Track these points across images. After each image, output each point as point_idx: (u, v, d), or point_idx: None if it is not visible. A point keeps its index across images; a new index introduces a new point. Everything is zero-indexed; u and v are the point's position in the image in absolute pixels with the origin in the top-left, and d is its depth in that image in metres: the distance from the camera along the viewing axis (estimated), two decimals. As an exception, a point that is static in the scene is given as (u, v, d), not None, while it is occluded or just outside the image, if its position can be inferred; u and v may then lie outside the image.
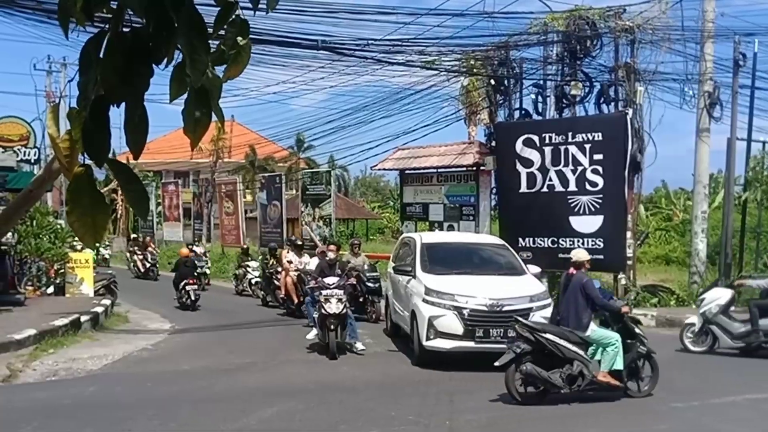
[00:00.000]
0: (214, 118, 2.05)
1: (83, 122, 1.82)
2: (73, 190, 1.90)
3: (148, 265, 23.46)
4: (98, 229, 1.93)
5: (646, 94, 14.54)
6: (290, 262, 13.97)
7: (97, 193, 1.92)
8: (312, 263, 12.44)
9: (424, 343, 8.76)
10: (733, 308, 10.13)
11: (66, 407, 6.75)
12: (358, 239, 16.61)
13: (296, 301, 13.62)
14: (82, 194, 1.90)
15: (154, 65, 1.91)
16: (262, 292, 16.41)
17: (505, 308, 8.61)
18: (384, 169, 19.59)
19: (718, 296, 10.03)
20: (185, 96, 1.92)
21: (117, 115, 1.91)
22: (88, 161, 1.94)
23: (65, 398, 7.20)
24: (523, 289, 9.30)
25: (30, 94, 44.17)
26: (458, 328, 8.64)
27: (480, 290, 8.92)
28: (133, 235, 29.33)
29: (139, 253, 24.25)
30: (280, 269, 14.72)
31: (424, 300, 9.01)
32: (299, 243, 15.23)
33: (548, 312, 8.65)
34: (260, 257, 18.83)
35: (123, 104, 1.85)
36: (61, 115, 2.15)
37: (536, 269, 10.72)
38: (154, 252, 24.80)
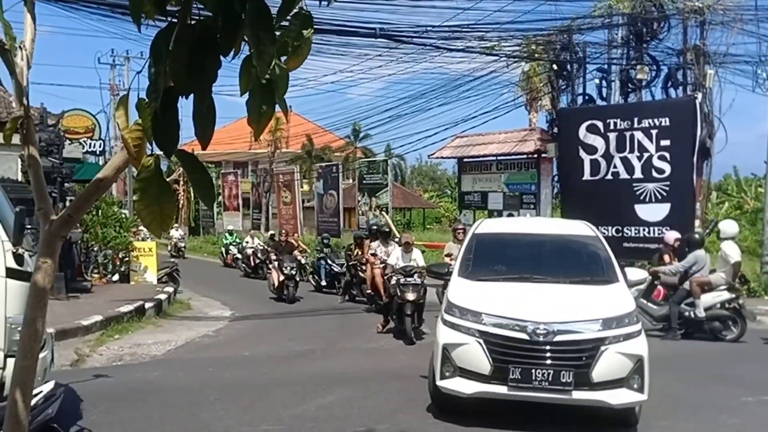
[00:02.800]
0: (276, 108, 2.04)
1: (153, 113, 1.82)
2: (141, 179, 1.92)
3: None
4: (165, 218, 1.96)
5: (716, 78, 13.98)
6: (374, 254, 12.39)
7: (164, 182, 1.93)
8: (394, 254, 10.89)
9: (438, 382, 5.99)
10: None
11: (132, 391, 6.96)
12: (462, 226, 12.86)
13: (384, 297, 11.43)
14: (150, 184, 1.92)
15: (221, 57, 1.90)
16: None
17: (558, 338, 5.66)
18: (442, 158, 19.48)
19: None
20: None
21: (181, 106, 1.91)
22: (156, 151, 1.95)
23: (131, 383, 7.42)
24: (599, 307, 6.08)
25: (95, 87, 45.99)
26: (483, 365, 5.74)
27: (527, 307, 5.93)
28: (270, 232, 21.93)
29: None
30: (365, 261, 13.24)
31: (442, 319, 6.26)
32: (386, 230, 12.99)
33: (636, 345, 5.74)
34: (343, 248, 17.01)
35: (191, 95, 1.85)
36: (130, 106, 2.16)
37: (639, 273, 8.05)
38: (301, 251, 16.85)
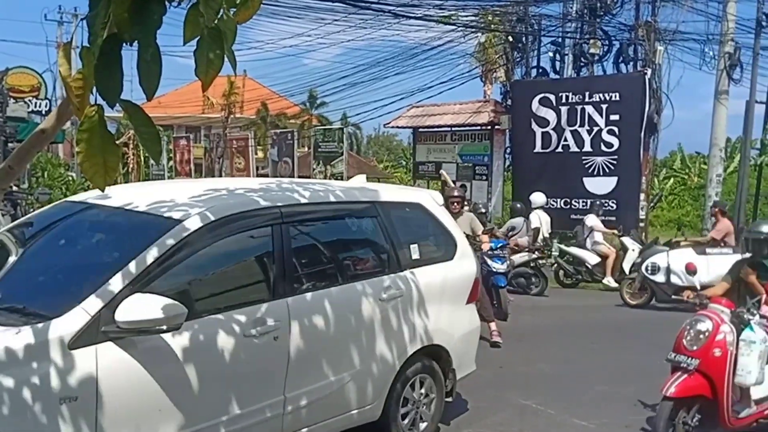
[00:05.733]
0: (226, 70, 2.02)
1: (95, 61, 1.79)
2: (84, 130, 1.88)
3: None
4: (109, 170, 1.93)
5: (665, 55, 14.26)
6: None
7: (107, 133, 1.90)
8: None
9: None
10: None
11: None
12: (458, 193, 8.91)
13: None
14: (94, 134, 1.89)
15: (167, 4, 1.87)
16: None
17: None
18: (397, 127, 19.45)
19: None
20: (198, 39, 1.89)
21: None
22: (99, 102, 1.92)
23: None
24: None
25: (41, 44, 44.01)
26: None
27: None
28: None
29: None
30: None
31: None
32: (482, 211, 10.84)
33: None
34: None
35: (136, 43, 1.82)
36: (74, 55, 2.12)
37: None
38: None
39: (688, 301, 5.29)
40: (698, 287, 9.08)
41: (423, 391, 4.87)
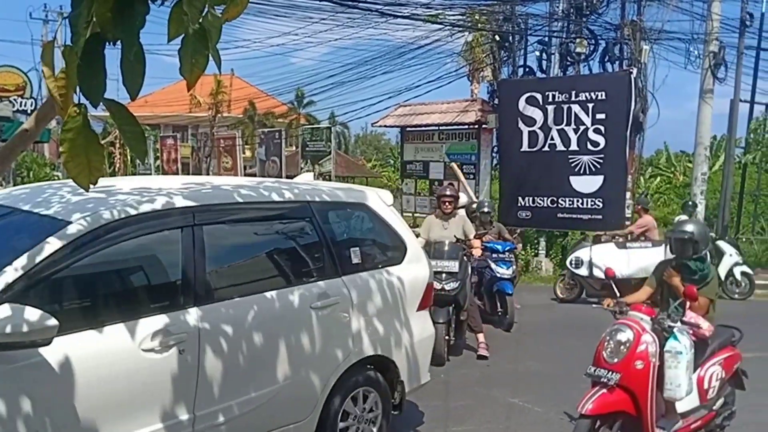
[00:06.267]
0: (212, 68, 2.01)
1: (78, 60, 1.78)
2: (67, 129, 1.88)
3: None
4: (93, 169, 1.92)
5: (651, 54, 14.35)
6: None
7: (91, 133, 1.89)
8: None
9: None
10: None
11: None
12: (450, 192, 8.16)
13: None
14: (78, 134, 1.88)
15: (150, 2, 1.86)
16: None
17: None
18: (385, 126, 19.43)
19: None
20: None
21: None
22: (83, 101, 1.91)
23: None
24: None
25: (26, 43, 43.62)
26: None
27: None
28: None
29: None
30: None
31: None
32: (487, 210, 10.04)
33: None
34: None
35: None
36: (57, 54, 2.11)
37: None
38: None
39: (607, 309, 4.87)
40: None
41: (366, 405, 4.52)
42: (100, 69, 1.80)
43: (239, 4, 2.07)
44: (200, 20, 1.84)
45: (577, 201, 13.31)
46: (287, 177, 22.93)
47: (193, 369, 3.53)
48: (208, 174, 29.92)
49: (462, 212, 8.35)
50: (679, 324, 4.45)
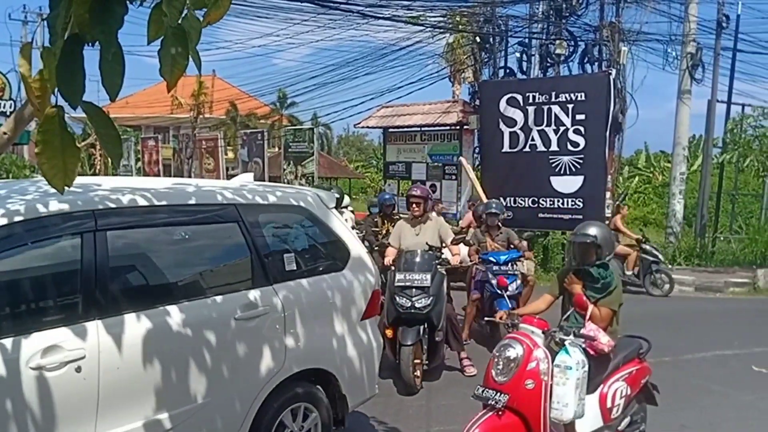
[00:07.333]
0: (192, 69, 2.02)
1: (56, 61, 1.79)
2: (44, 131, 1.87)
3: None
4: (68, 171, 1.91)
5: (629, 55, 14.52)
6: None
7: (68, 134, 1.89)
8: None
9: None
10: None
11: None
12: (419, 192, 7.25)
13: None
14: (54, 136, 1.88)
15: (128, 3, 1.87)
16: None
17: None
18: (367, 127, 19.46)
19: None
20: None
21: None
22: (60, 102, 1.92)
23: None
24: None
25: (5, 44, 43.04)
26: None
27: None
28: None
29: None
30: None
31: None
32: (495, 211, 8.33)
33: None
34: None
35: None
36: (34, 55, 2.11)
37: None
38: None
39: (499, 322, 4.44)
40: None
41: (304, 423, 4.19)
42: (79, 70, 1.80)
43: (221, 6, 2.08)
44: (180, 21, 1.85)
45: (558, 201, 13.41)
46: (270, 178, 22.90)
47: (92, 389, 3.19)
48: (190, 176, 29.77)
49: (434, 215, 7.28)
50: (571, 337, 4.04)
